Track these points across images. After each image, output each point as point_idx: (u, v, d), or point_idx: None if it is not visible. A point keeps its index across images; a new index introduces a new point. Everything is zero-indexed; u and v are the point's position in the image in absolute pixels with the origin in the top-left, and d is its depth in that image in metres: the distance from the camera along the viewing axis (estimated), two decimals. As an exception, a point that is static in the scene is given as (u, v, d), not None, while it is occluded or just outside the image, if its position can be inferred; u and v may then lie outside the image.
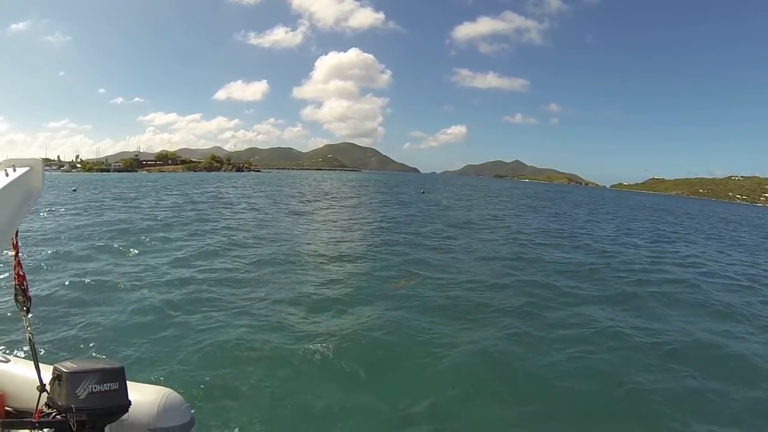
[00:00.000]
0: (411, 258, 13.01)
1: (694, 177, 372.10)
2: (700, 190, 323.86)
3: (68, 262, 11.02)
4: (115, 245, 13.54)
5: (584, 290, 10.36)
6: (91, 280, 9.42)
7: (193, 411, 2.74)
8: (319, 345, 6.30)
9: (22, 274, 2.05)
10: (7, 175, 1.80)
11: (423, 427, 4.61)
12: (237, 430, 4.28)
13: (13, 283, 2.07)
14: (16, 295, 2.09)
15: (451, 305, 8.52)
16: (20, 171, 1.84)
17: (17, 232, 1.89)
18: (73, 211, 22.16)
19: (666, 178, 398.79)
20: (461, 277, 10.99)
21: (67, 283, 9.09)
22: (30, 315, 2.16)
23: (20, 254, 2.01)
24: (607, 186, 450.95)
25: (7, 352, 3.13)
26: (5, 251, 1.90)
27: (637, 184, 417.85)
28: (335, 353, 6.06)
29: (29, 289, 2.12)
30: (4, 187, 1.74)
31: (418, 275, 10.79)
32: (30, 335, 2.24)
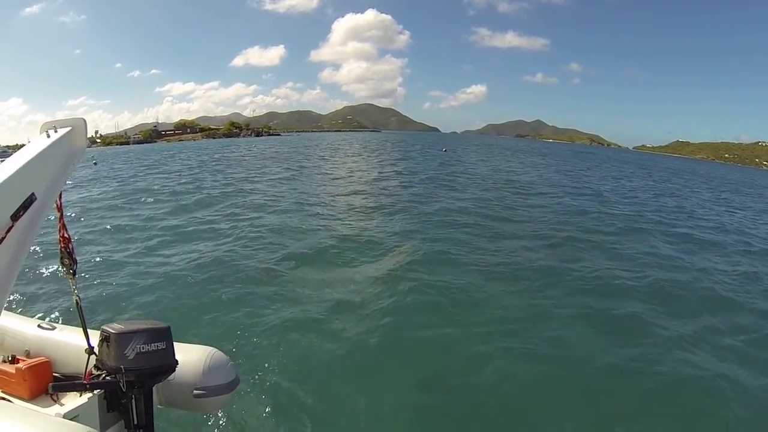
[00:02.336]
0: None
1: (719, 141, 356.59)
2: (726, 155, 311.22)
3: (105, 230, 11.26)
4: (148, 209, 13.88)
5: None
6: (129, 244, 9.67)
7: (237, 368, 2.73)
8: (355, 309, 6.24)
9: (67, 236, 1.99)
10: (48, 136, 1.70)
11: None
12: (279, 388, 4.29)
13: (59, 246, 2.01)
14: (62, 258, 2.04)
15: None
16: (62, 131, 1.74)
17: (61, 194, 1.80)
18: (105, 180, 22.58)
19: (690, 142, 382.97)
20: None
21: (106, 248, 9.29)
22: (76, 277, 2.12)
23: (64, 217, 1.94)
24: (630, 147, 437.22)
25: (52, 318, 3.15)
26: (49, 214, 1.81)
27: (660, 147, 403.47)
28: (371, 318, 5.98)
29: (74, 251, 2.06)
30: (46, 149, 1.65)
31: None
32: (77, 298, 2.20)
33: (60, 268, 2.09)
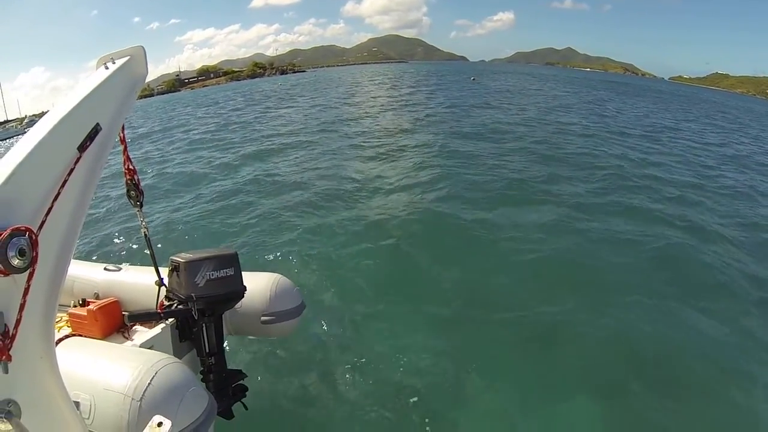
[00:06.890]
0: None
1: (761, 75, 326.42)
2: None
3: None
4: (208, 144, 14.01)
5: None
6: (185, 175, 9.76)
7: (302, 294, 2.71)
8: (419, 238, 5.88)
9: (132, 168, 1.92)
10: (107, 68, 1.56)
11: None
12: (344, 314, 4.16)
13: (125, 178, 1.93)
14: (128, 190, 1.97)
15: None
16: (120, 62, 1.60)
17: (123, 126, 1.67)
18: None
19: (730, 74, 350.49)
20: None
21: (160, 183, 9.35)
22: (143, 210, 2.05)
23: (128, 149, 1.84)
24: (665, 78, 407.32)
25: (113, 259, 3.18)
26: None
27: (698, 78, 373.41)
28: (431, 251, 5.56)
29: (140, 183, 1.98)
30: (106, 79, 1.52)
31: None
32: (145, 230, 2.16)
33: (128, 201, 2.03)
